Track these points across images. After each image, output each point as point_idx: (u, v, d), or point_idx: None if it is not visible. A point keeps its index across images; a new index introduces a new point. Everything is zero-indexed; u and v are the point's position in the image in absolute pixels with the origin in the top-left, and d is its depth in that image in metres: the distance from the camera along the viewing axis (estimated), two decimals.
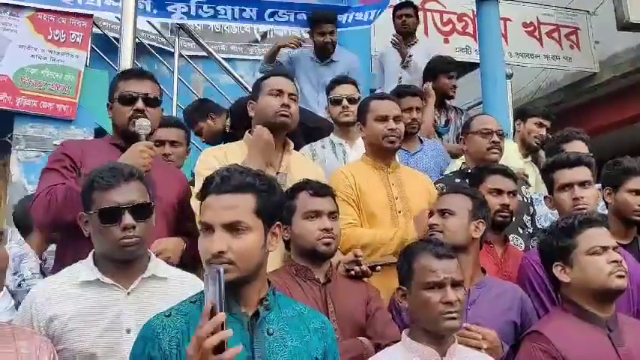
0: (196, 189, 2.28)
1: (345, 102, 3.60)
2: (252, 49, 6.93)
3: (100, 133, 4.37)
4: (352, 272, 2.47)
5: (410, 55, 5.09)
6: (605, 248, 2.13)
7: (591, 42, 7.32)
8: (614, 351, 2.04)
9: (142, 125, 2.56)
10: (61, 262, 2.38)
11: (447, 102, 4.74)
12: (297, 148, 3.09)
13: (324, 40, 4.74)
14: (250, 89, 3.67)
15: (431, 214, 2.58)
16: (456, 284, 1.97)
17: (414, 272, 2.00)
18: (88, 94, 4.53)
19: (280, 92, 2.81)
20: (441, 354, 1.95)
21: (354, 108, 3.55)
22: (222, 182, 1.62)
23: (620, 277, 2.09)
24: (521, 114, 4.26)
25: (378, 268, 2.51)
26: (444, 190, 2.71)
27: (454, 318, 1.93)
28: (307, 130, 3.68)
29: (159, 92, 2.74)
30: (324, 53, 4.78)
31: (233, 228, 1.60)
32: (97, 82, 4.55)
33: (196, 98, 4.85)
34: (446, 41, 6.98)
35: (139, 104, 2.60)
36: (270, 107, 2.79)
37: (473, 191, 2.65)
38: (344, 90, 3.66)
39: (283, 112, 2.78)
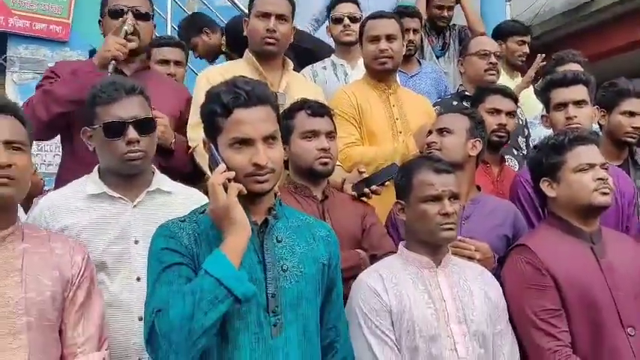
0: (194, 113, 2.27)
1: (346, 20, 3.56)
2: None
3: (94, 54, 4.31)
4: (360, 195, 2.50)
5: None
6: (592, 165, 2.16)
7: None
8: (596, 262, 2.12)
9: (120, 21, 2.56)
10: (63, 179, 2.43)
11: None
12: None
13: None
14: (245, 10, 3.61)
15: (429, 133, 2.62)
16: (453, 197, 2.03)
17: (413, 186, 2.06)
18: (82, 16, 4.44)
19: (266, 15, 2.73)
20: (436, 264, 2.03)
21: (355, 27, 3.52)
22: (248, 96, 1.61)
23: (604, 194, 2.13)
24: (500, 34, 4.16)
25: (387, 183, 2.54)
26: (442, 111, 2.73)
27: (451, 229, 2.00)
28: (299, 51, 3.64)
29: (150, 7, 2.72)
30: None
31: (269, 139, 1.63)
32: (89, 3, 4.43)
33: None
34: None
35: (129, 17, 2.59)
36: (255, 32, 2.75)
37: (470, 111, 2.68)
38: (345, 8, 3.62)
39: (268, 40, 2.73)
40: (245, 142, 1.61)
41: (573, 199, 2.17)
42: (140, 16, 2.63)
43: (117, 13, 2.62)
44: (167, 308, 1.50)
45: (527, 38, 4.11)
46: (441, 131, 2.56)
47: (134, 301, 1.95)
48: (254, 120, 1.61)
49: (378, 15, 3.06)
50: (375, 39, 2.91)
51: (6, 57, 4.35)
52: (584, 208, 2.16)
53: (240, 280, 1.54)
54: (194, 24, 4.12)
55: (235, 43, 3.67)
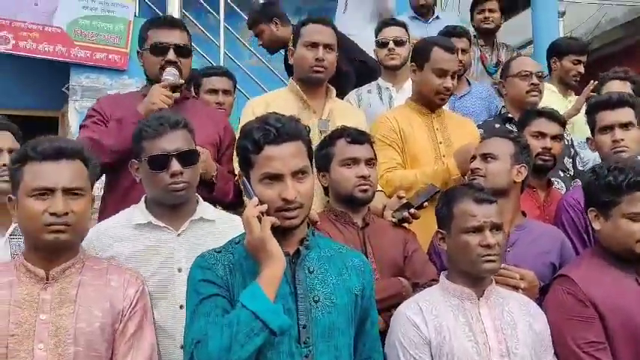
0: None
1: (391, 44, 3.56)
2: None
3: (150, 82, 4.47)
4: (401, 221, 2.49)
5: None
6: None
7: None
8: None
9: (169, 72, 2.62)
10: (107, 211, 2.52)
11: (497, 39, 4.62)
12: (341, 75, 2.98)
13: None
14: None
15: (473, 158, 2.59)
16: (495, 228, 2.00)
17: (454, 216, 2.04)
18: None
19: (315, 45, 2.76)
20: (478, 295, 2.00)
21: (400, 50, 3.53)
22: (278, 133, 1.66)
23: None
24: (557, 51, 4.06)
25: (425, 204, 2.52)
26: (484, 135, 2.70)
27: (493, 260, 1.97)
28: (357, 66, 3.67)
29: (189, 40, 2.76)
30: None
31: (298, 174, 1.68)
32: None
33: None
34: None
35: (171, 55, 2.65)
36: (304, 61, 2.78)
37: (515, 135, 2.64)
38: (391, 32, 3.61)
39: (317, 68, 2.76)
40: (275, 178, 1.66)
41: (618, 242, 2.11)
42: (181, 52, 2.69)
43: (158, 50, 2.66)
44: (206, 340, 1.56)
45: (583, 58, 3.99)
46: (485, 157, 2.53)
47: (177, 328, 2.00)
48: (284, 156, 1.66)
49: (450, 48, 2.95)
50: (443, 74, 2.85)
51: (69, 86, 4.57)
52: (627, 252, 2.10)
53: (276, 313, 1.58)
54: (266, 12, 4.10)
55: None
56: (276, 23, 4.05)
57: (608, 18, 7.40)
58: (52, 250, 1.79)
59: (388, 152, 2.83)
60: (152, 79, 2.71)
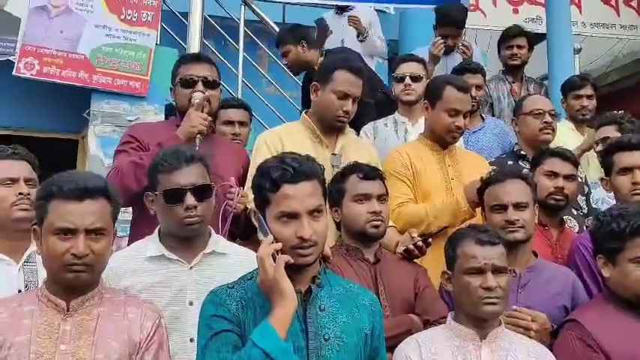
0: (251, 177, 2.36)
1: (407, 80, 3.59)
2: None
3: (170, 108, 4.57)
4: (407, 254, 2.51)
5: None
6: None
7: None
8: None
9: (196, 96, 2.74)
10: (136, 236, 2.55)
11: (525, 73, 4.64)
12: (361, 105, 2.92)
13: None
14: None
15: (503, 207, 2.46)
16: (497, 270, 2.00)
17: (457, 257, 2.06)
18: (159, 72, 4.71)
19: (346, 96, 2.72)
20: (481, 337, 2.00)
21: (416, 86, 3.56)
22: (295, 172, 1.70)
23: None
24: (563, 90, 4.10)
25: (430, 239, 2.54)
26: (495, 173, 2.64)
27: (494, 303, 1.97)
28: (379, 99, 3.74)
29: (217, 74, 2.89)
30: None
31: (314, 212, 1.71)
32: (167, 59, 4.71)
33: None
34: (515, 11, 6.80)
35: (199, 87, 2.78)
36: (331, 108, 2.74)
37: (527, 175, 2.64)
38: (408, 68, 3.65)
39: (342, 118, 2.76)
40: (291, 216, 1.69)
41: (626, 288, 2.10)
42: (209, 84, 2.82)
43: (188, 83, 2.81)
44: None
45: (585, 91, 3.98)
46: (519, 206, 2.44)
47: None
48: (300, 195, 1.69)
49: (464, 88, 2.95)
50: (456, 113, 2.86)
51: (89, 111, 4.66)
52: (636, 298, 2.10)
53: (286, 352, 1.60)
54: (295, 33, 4.16)
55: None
56: (303, 45, 4.11)
57: (625, 52, 7.41)
58: (71, 287, 1.83)
59: (400, 187, 2.84)
60: (183, 112, 2.81)
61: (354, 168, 2.49)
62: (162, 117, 4.61)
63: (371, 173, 2.47)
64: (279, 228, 1.70)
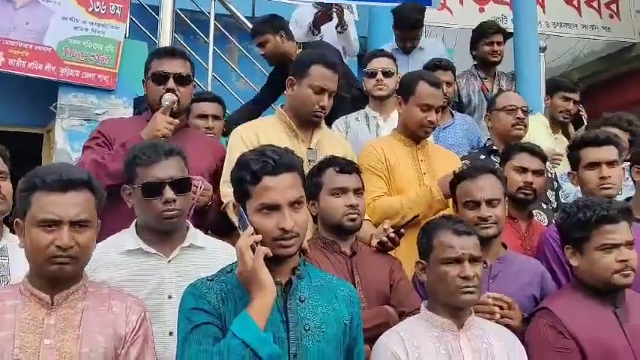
0: (227, 169, 2.36)
1: (379, 75, 3.63)
2: None
3: (138, 102, 4.52)
4: (381, 246, 2.55)
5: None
6: (616, 246, 2.15)
7: (632, 11, 7.16)
8: (620, 327, 2.13)
9: (166, 98, 2.72)
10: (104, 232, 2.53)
11: (497, 69, 4.71)
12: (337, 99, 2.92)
13: None
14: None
15: (476, 203, 2.51)
16: (473, 260, 2.05)
17: (434, 247, 2.09)
18: (128, 65, 4.64)
19: (323, 91, 2.73)
20: (458, 326, 2.05)
21: (388, 81, 3.61)
22: (276, 164, 1.72)
23: (626, 275, 2.14)
24: (550, 88, 4.24)
25: (402, 230, 2.57)
26: (467, 168, 2.71)
27: (471, 292, 2.02)
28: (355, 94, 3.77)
29: (191, 70, 2.86)
30: None
31: (295, 204, 1.73)
32: (136, 52, 4.66)
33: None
34: (481, 10, 6.91)
35: (170, 83, 2.75)
36: (308, 103, 2.75)
37: (498, 170, 2.71)
38: (379, 63, 3.69)
39: (318, 113, 2.76)
40: (272, 208, 1.71)
41: (594, 275, 2.18)
42: (181, 80, 2.79)
43: (160, 78, 2.78)
44: None
45: (572, 95, 4.12)
46: (491, 202, 2.49)
47: (167, 355, 2.02)
48: (281, 187, 1.72)
49: (436, 83, 2.99)
50: (428, 108, 2.90)
51: (56, 105, 4.57)
52: (604, 285, 2.18)
53: (266, 342, 1.63)
54: (274, 23, 4.14)
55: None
56: (282, 36, 4.09)
57: (586, 52, 7.61)
58: (56, 279, 1.81)
59: (375, 181, 2.88)
60: (153, 107, 2.80)
61: (331, 162, 2.51)
62: (131, 110, 4.54)
63: (347, 167, 2.50)
64: (261, 220, 1.72)
